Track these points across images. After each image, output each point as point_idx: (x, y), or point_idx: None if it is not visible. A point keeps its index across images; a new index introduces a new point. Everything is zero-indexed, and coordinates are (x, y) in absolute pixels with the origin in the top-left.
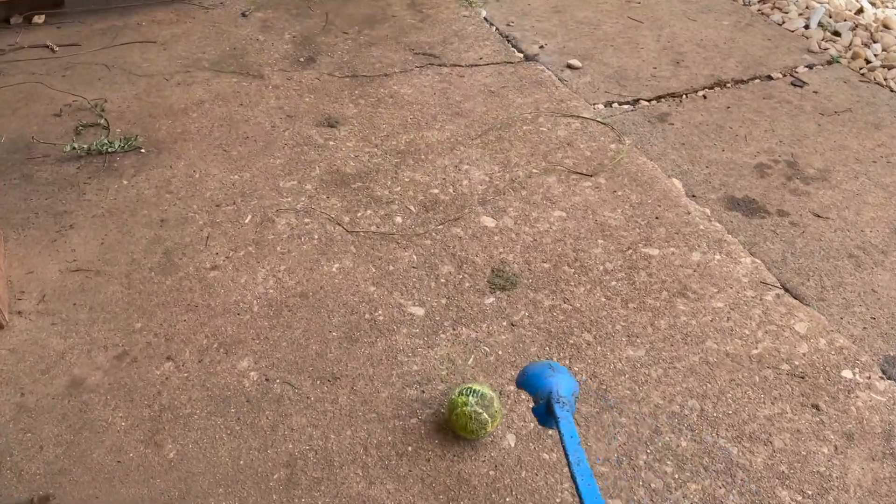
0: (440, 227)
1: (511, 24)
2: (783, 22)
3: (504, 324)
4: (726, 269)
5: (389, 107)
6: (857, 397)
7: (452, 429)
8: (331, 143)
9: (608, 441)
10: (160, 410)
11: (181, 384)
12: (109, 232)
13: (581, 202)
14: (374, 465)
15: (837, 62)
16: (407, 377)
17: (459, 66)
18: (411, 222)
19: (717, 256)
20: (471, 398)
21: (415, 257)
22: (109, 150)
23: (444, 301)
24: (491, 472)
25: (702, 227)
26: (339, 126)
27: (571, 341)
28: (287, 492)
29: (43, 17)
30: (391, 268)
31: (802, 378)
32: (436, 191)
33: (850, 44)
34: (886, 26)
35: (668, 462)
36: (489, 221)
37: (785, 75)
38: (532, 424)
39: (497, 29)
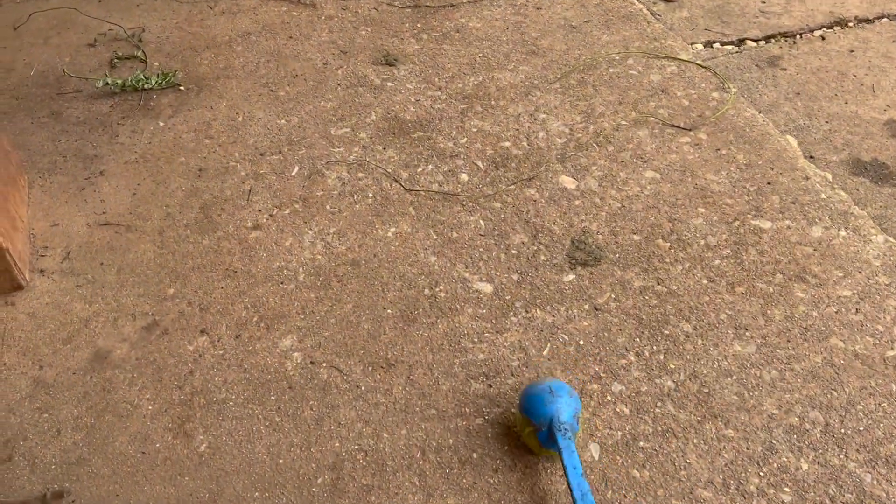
0: (512, 187)
1: None
2: None
3: (586, 307)
4: (853, 248)
5: (455, 43)
6: None
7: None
8: (389, 84)
9: (711, 458)
10: (192, 394)
11: (216, 363)
12: (143, 181)
13: (678, 161)
14: (432, 474)
15: None
16: (471, 367)
17: None
18: (479, 181)
19: (843, 233)
20: None
21: (482, 223)
22: (146, 86)
23: (515, 277)
24: None
25: (823, 195)
26: (398, 64)
27: (667, 332)
28: (332, 500)
29: None
30: (455, 234)
31: None
32: (507, 144)
33: None
34: None
35: (786, 489)
36: (569, 182)
37: None
38: (619, 433)
39: None
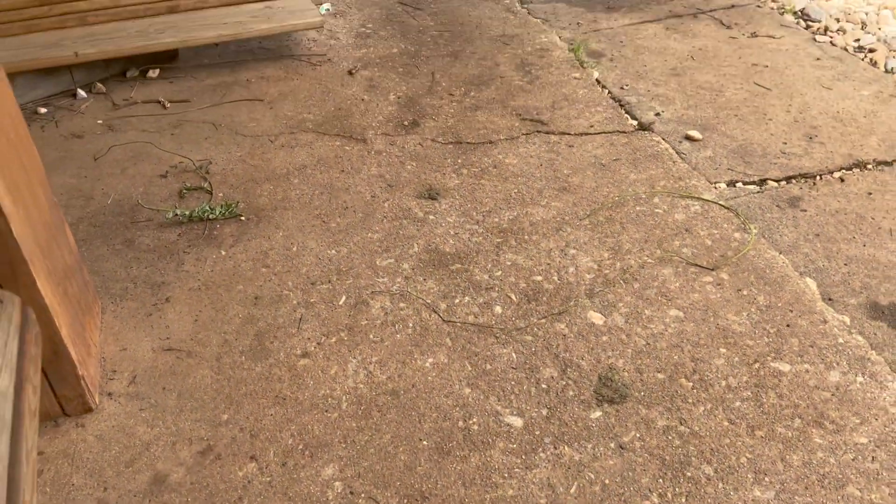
0: (543, 320)
1: (625, 87)
2: None
3: (612, 445)
4: (870, 394)
5: (493, 178)
6: None
7: None
8: (430, 217)
9: None
10: None
11: (263, 490)
12: (204, 308)
13: (701, 301)
14: None
15: None
16: None
17: (568, 133)
18: (511, 313)
19: (860, 378)
20: None
21: (514, 356)
22: (210, 216)
23: (544, 412)
24: None
25: (840, 339)
26: (440, 198)
27: (689, 474)
28: None
29: (157, 71)
30: (488, 366)
31: None
32: (539, 278)
33: None
34: None
35: None
36: (597, 318)
37: None
38: None
39: (610, 93)
